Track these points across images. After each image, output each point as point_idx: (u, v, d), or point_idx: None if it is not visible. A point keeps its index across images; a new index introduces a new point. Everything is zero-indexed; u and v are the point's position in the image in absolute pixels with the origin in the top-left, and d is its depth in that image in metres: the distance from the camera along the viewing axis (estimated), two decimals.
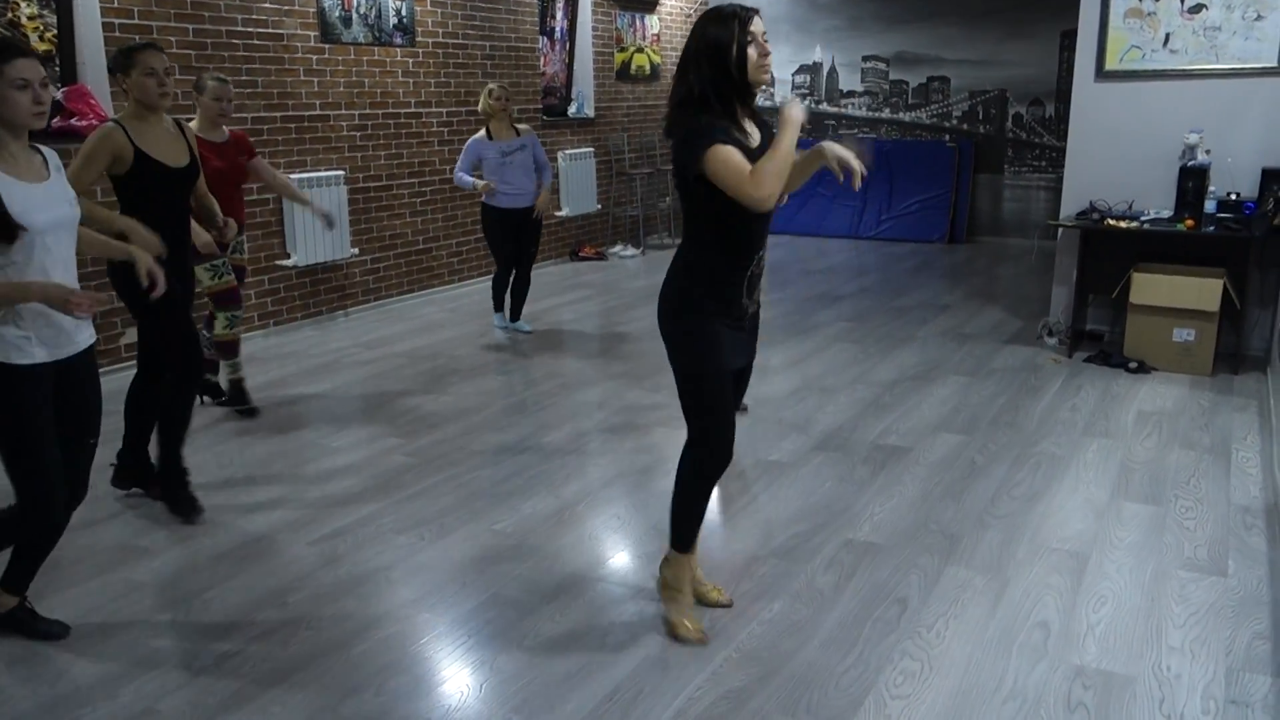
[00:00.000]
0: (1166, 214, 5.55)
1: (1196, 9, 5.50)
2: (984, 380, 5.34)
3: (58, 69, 5.22)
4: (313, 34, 6.49)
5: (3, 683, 2.67)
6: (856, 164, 2.50)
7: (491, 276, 6.54)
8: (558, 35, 9.18)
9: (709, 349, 2.67)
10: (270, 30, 6.21)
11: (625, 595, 3.12)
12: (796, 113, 2.46)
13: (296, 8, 6.36)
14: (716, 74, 2.47)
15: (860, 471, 4.08)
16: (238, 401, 4.86)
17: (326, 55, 6.61)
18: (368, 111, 6.96)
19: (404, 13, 7.12)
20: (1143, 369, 5.42)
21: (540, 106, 8.75)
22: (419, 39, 7.29)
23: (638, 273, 8.71)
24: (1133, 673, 2.68)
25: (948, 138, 10.22)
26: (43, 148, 2.64)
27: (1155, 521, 3.60)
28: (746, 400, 4.45)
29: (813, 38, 10.50)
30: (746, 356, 2.81)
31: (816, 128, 10.73)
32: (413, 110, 7.33)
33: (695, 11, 10.91)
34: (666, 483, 3.97)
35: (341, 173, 6.74)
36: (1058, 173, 8.93)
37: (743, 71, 2.48)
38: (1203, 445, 4.35)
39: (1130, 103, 5.74)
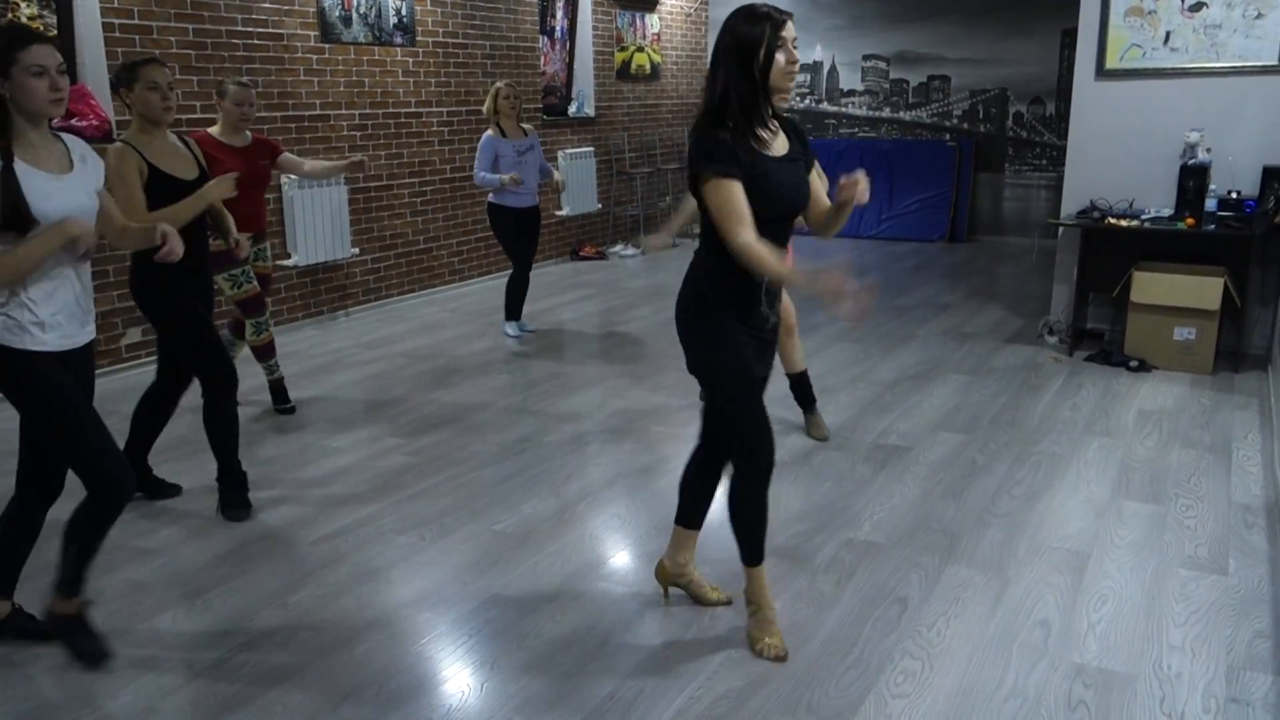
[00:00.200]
0: (1167, 212, 5.55)
1: (1197, 7, 5.49)
2: (985, 379, 5.34)
3: None
4: (313, 34, 6.49)
5: (3, 683, 2.68)
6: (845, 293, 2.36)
7: (506, 279, 6.40)
8: (558, 34, 9.18)
9: (729, 352, 2.60)
10: (270, 30, 6.21)
11: (626, 595, 3.12)
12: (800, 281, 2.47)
13: (296, 7, 6.36)
14: (741, 74, 2.41)
15: (861, 471, 4.07)
16: (278, 400, 4.90)
17: (326, 55, 6.61)
18: (368, 111, 6.96)
19: (404, 12, 7.12)
20: (1143, 368, 5.42)
21: (541, 106, 8.75)
22: (419, 38, 7.29)
23: (638, 272, 8.71)
24: (1133, 671, 2.68)
25: (948, 137, 10.22)
26: (66, 137, 2.60)
27: (1156, 520, 3.60)
28: (825, 426, 4.50)
29: (813, 36, 10.49)
30: (765, 368, 2.72)
31: (817, 127, 10.73)
32: (413, 110, 7.33)
33: (696, 10, 10.91)
34: (667, 482, 3.98)
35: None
36: (1058, 171, 8.93)
37: (766, 76, 2.42)
38: (1203, 444, 4.34)
39: (1131, 101, 5.74)
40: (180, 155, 3.51)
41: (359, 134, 6.91)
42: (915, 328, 6.47)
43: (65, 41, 5.22)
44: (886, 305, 7.16)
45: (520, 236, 6.17)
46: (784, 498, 3.82)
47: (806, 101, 10.79)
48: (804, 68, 10.65)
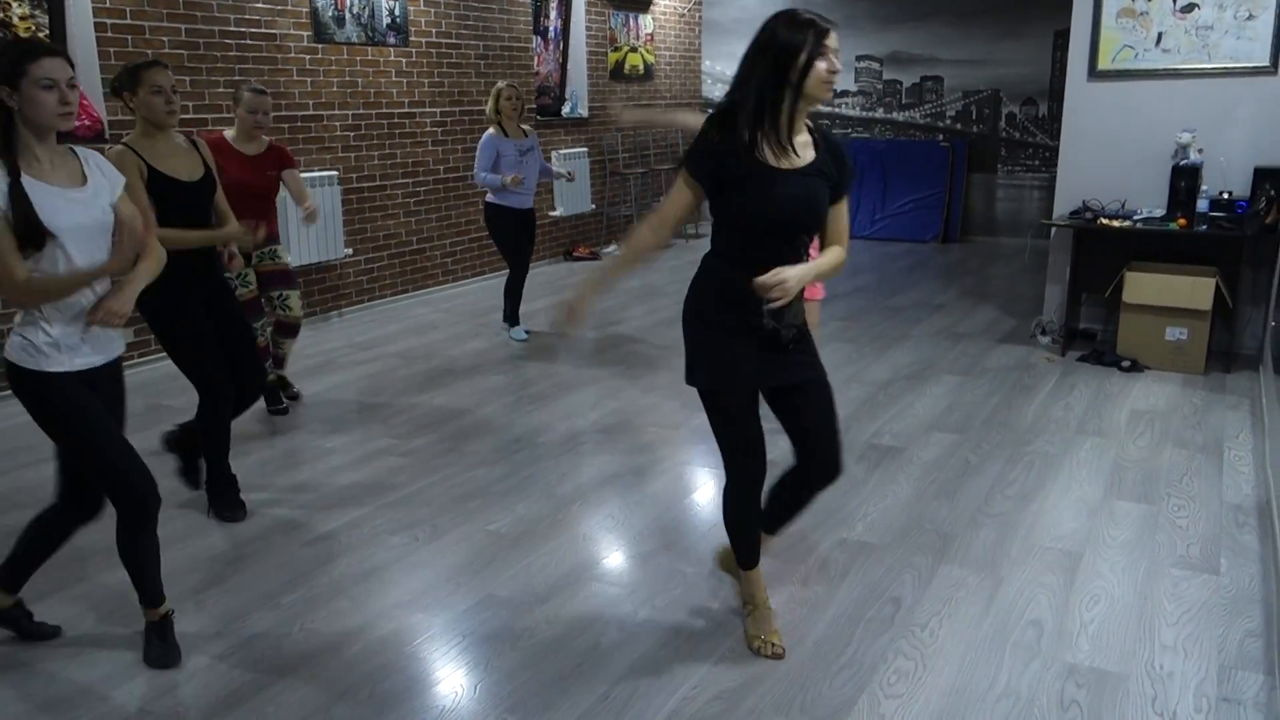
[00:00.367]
0: (1159, 213, 5.57)
1: (1188, 8, 5.51)
2: (977, 379, 5.35)
3: None
4: (306, 34, 6.48)
5: (1, 682, 2.67)
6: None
7: (502, 280, 6.37)
8: (551, 35, 9.17)
9: (714, 363, 2.57)
10: (263, 30, 6.20)
11: (620, 596, 3.12)
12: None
13: (289, 8, 6.35)
14: (776, 80, 2.34)
15: (854, 471, 4.08)
16: (271, 402, 4.88)
17: (320, 55, 6.60)
18: (361, 112, 6.95)
19: (397, 12, 7.11)
20: (1135, 368, 5.44)
21: (534, 106, 8.74)
22: (412, 39, 7.29)
23: (632, 273, 8.69)
24: (1126, 671, 2.69)
25: (941, 137, 10.24)
26: (81, 150, 2.57)
27: (1148, 520, 3.61)
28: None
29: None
30: (780, 377, 2.58)
31: None
32: (406, 110, 7.32)
33: (690, 11, 10.92)
34: (661, 483, 3.99)
35: (335, 173, 6.74)
36: (1051, 172, 8.95)
37: (803, 83, 2.34)
38: (1195, 444, 4.36)
39: (1123, 102, 5.76)
40: (184, 156, 3.47)
41: (352, 134, 6.90)
42: (908, 328, 6.48)
43: (57, 42, 5.20)
44: (880, 306, 7.17)
45: (519, 238, 6.15)
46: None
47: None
48: None
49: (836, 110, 10.71)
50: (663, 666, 2.73)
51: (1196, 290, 5.24)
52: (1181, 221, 5.32)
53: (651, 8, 10.22)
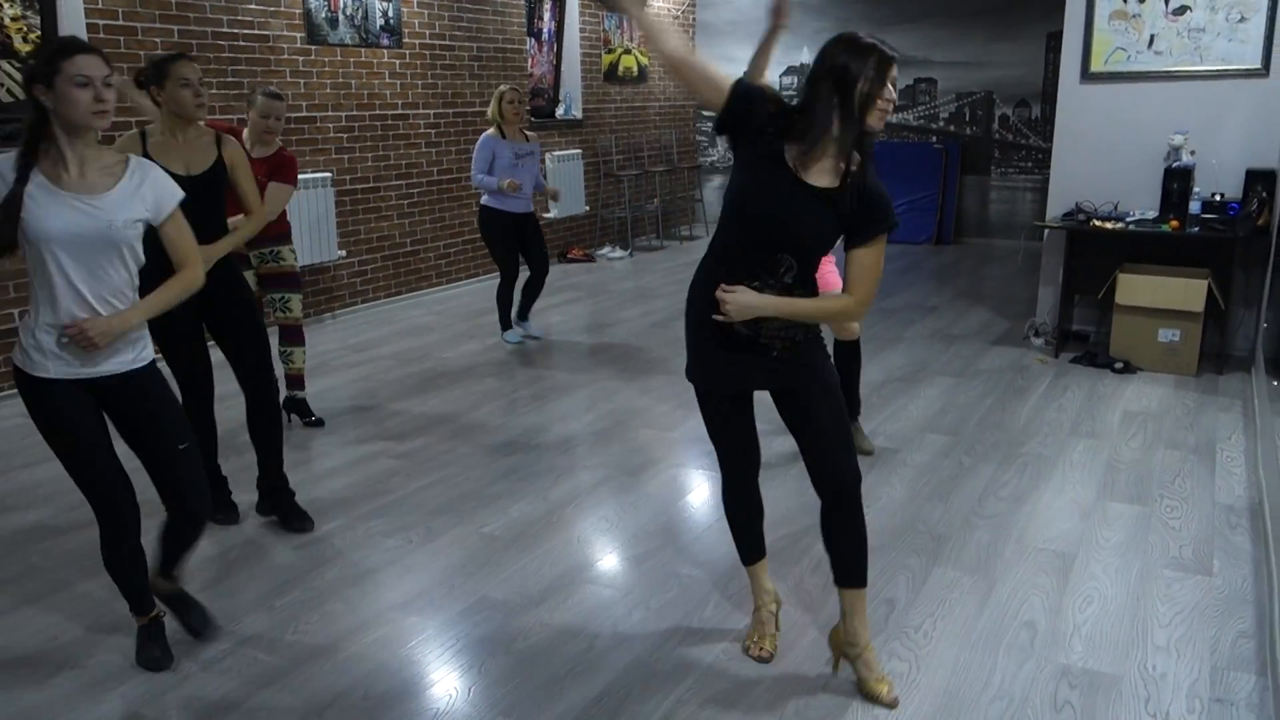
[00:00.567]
0: (1152, 215, 5.58)
1: (1180, 11, 5.53)
2: (971, 381, 5.36)
3: None
4: (299, 35, 6.47)
5: None
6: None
7: (495, 284, 6.25)
8: (545, 36, 9.17)
9: (694, 364, 2.57)
10: (256, 31, 6.19)
11: (614, 598, 3.12)
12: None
13: (282, 9, 6.34)
14: (835, 103, 2.24)
15: None
16: (303, 413, 4.83)
17: (313, 57, 6.59)
18: (354, 113, 6.94)
19: (391, 14, 7.10)
20: (1128, 369, 5.45)
21: (529, 108, 8.73)
22: (406, 40, 7.28)
23: (626, 274, 8.71)
24: (1119, 672, 2.69)
25: (934, 139, 10.26)
26: (138, 161, 2.48)
27: (1141, 521, 3.62)
28: (871, 441, 4.36)
29: (800, 39, 10.50)
30: (767, 381, 2.53)
31: None
32: (400, 112, 7.31)
33: (684, 13, 10.92)
34: (655, 485, 3.99)
35: (328, 174, 6.72)
36: (1044, 174, 8.97)
37: (863, 115, 2.24)
38: (1188, 445, 4.37)
39: (1115, 104, 5.78)
40: (199, 150, 3.38)
41: (345, 136, 6.89)
42: (902, 330, 6.49)
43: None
44: (873, 308, 7.14)
45: (511, 242, 6.04)
46: (772, 499, 3.80)
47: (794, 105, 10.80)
48: (790, 70, 10.69)
49: None
50: (657, 669, 2.73)
51: (1189, 292, 5.26)
52: (1174, 223, 5.33)
53: (645, 10, 10.21)
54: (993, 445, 4.40)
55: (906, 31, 10.13)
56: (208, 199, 3.44)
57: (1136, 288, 5.40)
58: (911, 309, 7.11)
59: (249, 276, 4.51)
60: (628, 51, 10.02)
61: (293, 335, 4.74)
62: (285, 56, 6.40)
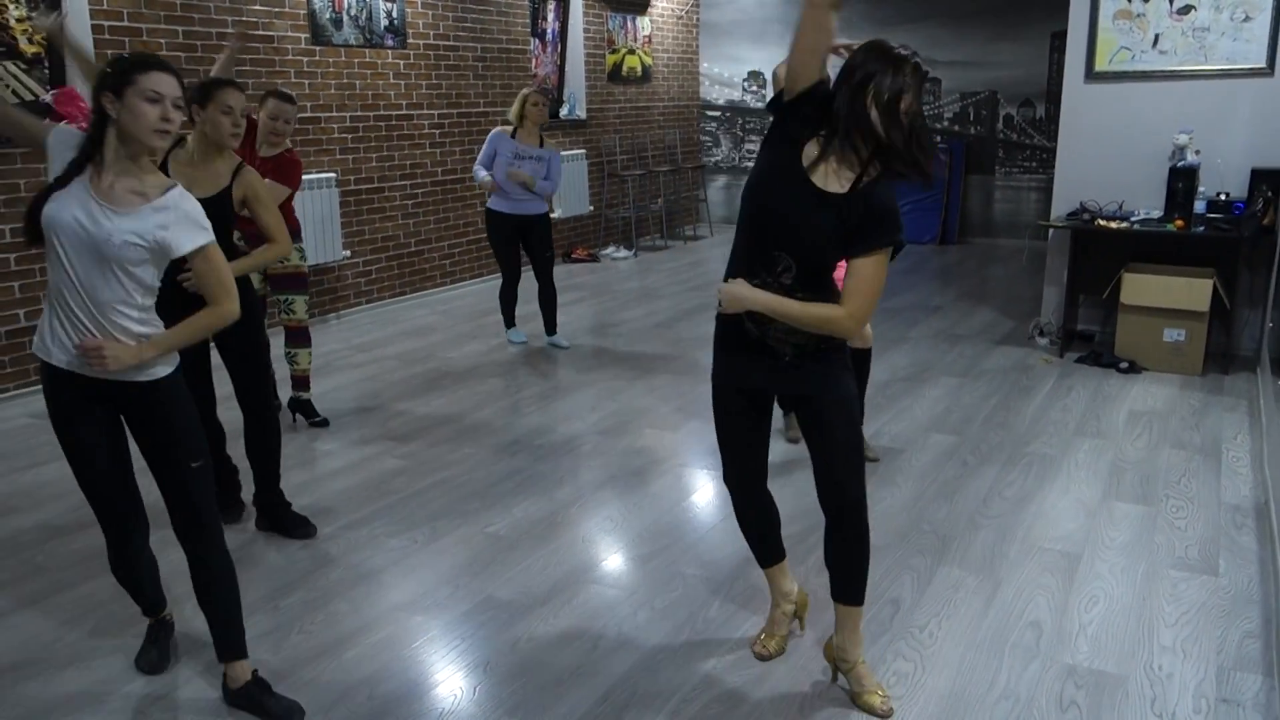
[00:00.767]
0: (1156, 214, 5.57)
1: (1185, 10, 5.52)
2: (976, 381, 5.35)
3: (47, 71, 5.20)
4: (303, 36, 6.48)
5: None
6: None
7: (498, 288, 6.24)
8: (549, 37, 9.17)
9: (716, 359, 2.57)
10: (261, 32, 6.20)
11: (618, 598, 3.12)
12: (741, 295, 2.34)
13: (287, 9, 6.35)
14: (856, 109, 2.19)
15: None
16: (309, 414, 4.84)
17: (317, 57, 6.60)
18: (359, 114, 6.95)
19: (395, 14, 7.11)
20: (1133, 369, 5.44)
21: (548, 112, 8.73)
22: (410, 41, 7.28)
23: (630, 274, 8.71)
24: (1125, 672, 2.69)
25: (939, 139, 10.24)
26: (180, 192, 2.38)
27: (1146, 521, 3.61)
28: (875, 448, 4.32)
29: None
30: (777, 385, 2.50)
31: None
32: (404, 112, 7.32)
33: (688, 13, 10.92)
34: (659, 485, 3.98)
35: (333, 175, 6.73)
36: (1048, 174, 8.95)
37: (884, 124, 2.19)
38: (1193, 445, 4.36)
39: (1120, 104, 5.77)
40: (211, 176, 3.31)
41: (350, 137, 6.90)
42: (906, 330, 6.48)
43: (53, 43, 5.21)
44: (878, 308, 7.14)
45: (510, 244, 6.01)
46: (777, 499, 3.80)
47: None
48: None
49: None
50: (662, 669, 2.73)
51: (1194, 291, 5.25)
52: (1179, 223, 5.32)
53: (649, 10, 10.22)
54: (997, 445, 4.39)
55: (910, 31, 10.11)
56: (216, 225, 3.41)
57: (1141, 287, 5.39)
58: (916, 309, 7.10)
59: (256, 276, 4.51)
60: (631, 52, 10.02)
61: (298, 336, 4.75)
62: (290, 57, 6.40)
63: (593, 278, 8.52)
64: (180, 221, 2.36)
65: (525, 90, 5.95)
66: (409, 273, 7.59)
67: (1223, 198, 5.44)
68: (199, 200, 3.25)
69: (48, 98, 5.14)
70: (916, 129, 2.21)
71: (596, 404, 5.03)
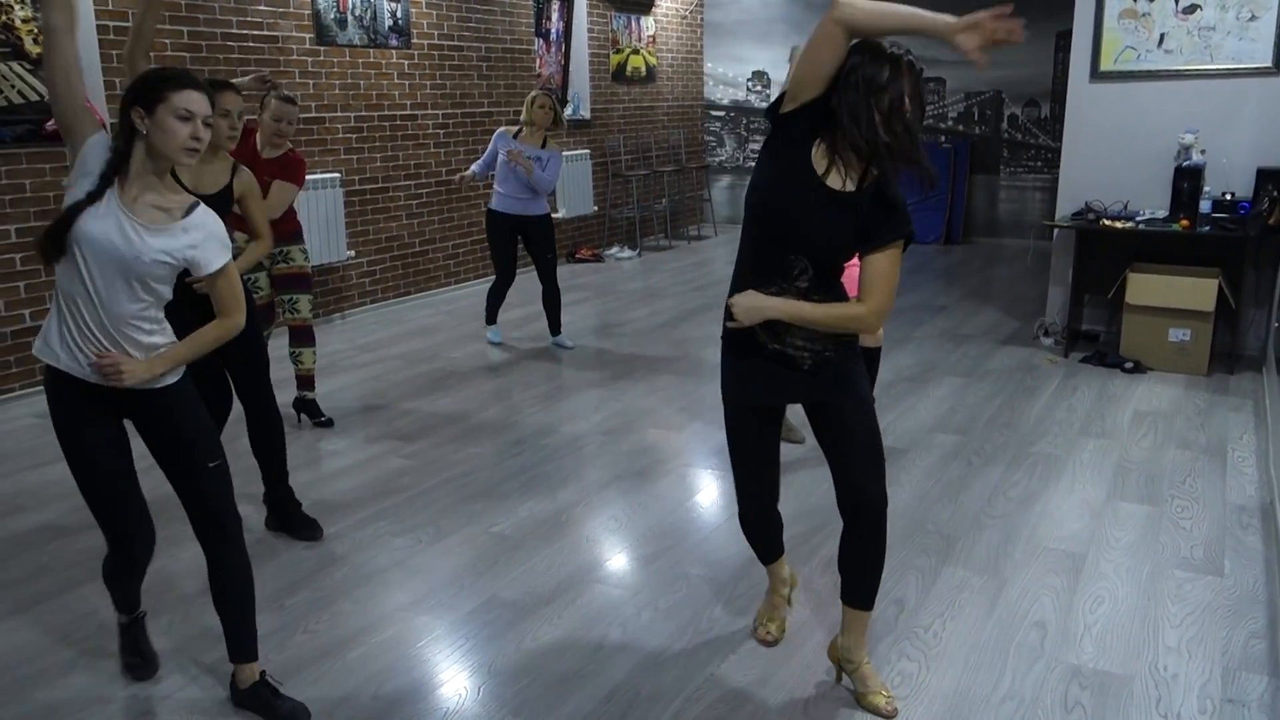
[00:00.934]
0: (1162, 214, 5.56)
1: (1191, 9, 5.51)
2: (980, 381, 5.35)
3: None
4: (308, 36, 6.49)
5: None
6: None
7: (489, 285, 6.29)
8: (553, 37, 9.18)
9: (724, 376, 2.52)
10: (265, 32, 6.21)
11: (622, 598, 3.12)
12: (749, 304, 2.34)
13: (292, 10, 6.36)
14: (859, 110, 2.16)
15: None
16: (313, 414, 4.85)
17: (322, 57, 6.61)
18: (363, 114, 6.95)
19: (399, 14, 7.12)
20: (1138, 369, 5.43)
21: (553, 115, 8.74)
22: (414, 41, 7.29)
23: (634, 275, 8.71)
24: (1130, 672, 2.68)
25: (943, 139, 10.23)
26: (204, 211, 2.39)
27: (1151, 521, 3.61)
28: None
29: (807, 38, 10.52)
30: (794, 395, 2.47)
31: None
32: (408, 112, 7.33)
33: (692, 13, 10.92)
34: (664, 485, 3.98)
35: (338, 175, 6.74)
36: (1053, 173, 8.94)
37: (886, 123, 2.15)
38: (1199, 445, 4.35)
39: (1125, 103, 5.76)
40: (211, 173, 3.33)
41: (354, 137, 6.91)
42: (911, 329, 6.47)
43: None
44: None
45: (506, 243, 6.01)
46: (781, 499, 3.80)
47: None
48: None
49: None
50: (666, 669, 2.73)
51: (1199, 291, 5.24)
52: (1184, 222, 5.31)
53: (653, 10, 10.22)
54: (1002, 445, 4.39)
55: None
56: None
57: (1147, 287, 5.38)
58: (920, 309, 7.09)
59: (262, 278, 4.52)
60: (636, 52, 10.02)
61: (302, 336, 4.75)
62: (294, 57, 6.41)
63: (597, 278, 8.52)
64: (208, 241, 2.37)
65: (533, 93, 5.98)
66: (413, 273, 7.60)
67: (1228, 197, 5.43)
68: (203, 198, 3.28)
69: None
70: (913, 128, 2.19)
71: (600, 404, 5.03)
